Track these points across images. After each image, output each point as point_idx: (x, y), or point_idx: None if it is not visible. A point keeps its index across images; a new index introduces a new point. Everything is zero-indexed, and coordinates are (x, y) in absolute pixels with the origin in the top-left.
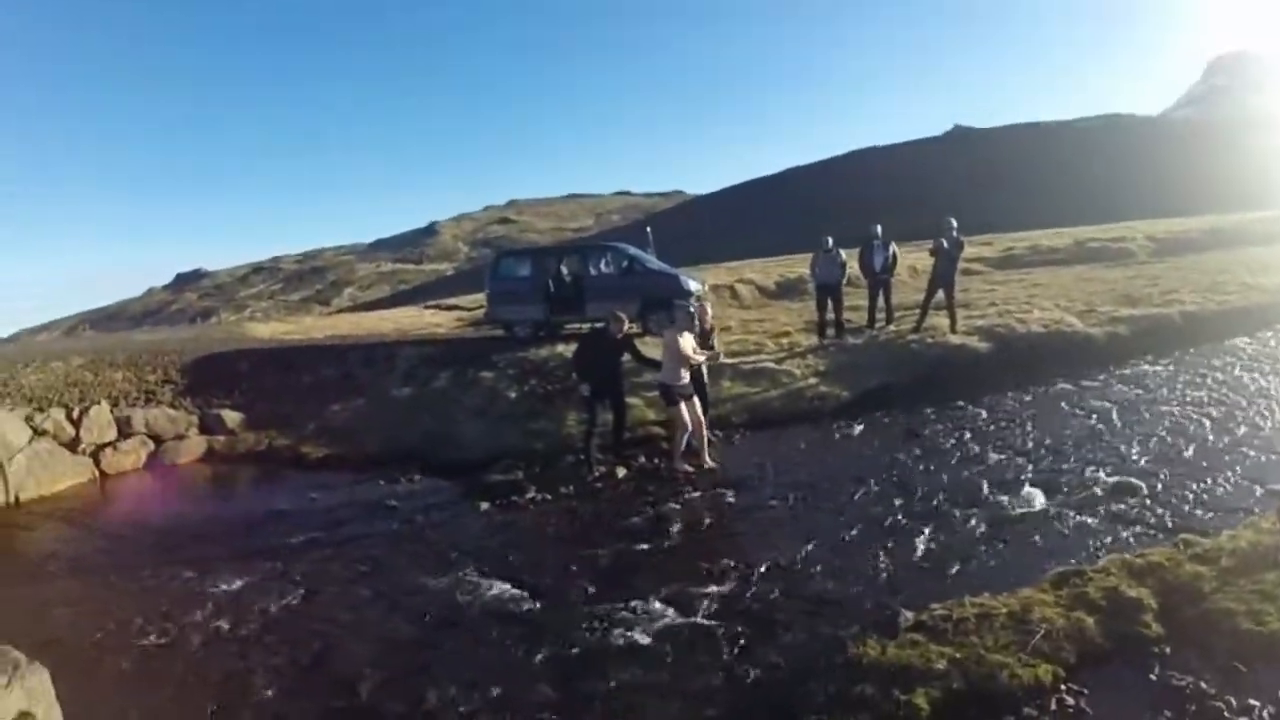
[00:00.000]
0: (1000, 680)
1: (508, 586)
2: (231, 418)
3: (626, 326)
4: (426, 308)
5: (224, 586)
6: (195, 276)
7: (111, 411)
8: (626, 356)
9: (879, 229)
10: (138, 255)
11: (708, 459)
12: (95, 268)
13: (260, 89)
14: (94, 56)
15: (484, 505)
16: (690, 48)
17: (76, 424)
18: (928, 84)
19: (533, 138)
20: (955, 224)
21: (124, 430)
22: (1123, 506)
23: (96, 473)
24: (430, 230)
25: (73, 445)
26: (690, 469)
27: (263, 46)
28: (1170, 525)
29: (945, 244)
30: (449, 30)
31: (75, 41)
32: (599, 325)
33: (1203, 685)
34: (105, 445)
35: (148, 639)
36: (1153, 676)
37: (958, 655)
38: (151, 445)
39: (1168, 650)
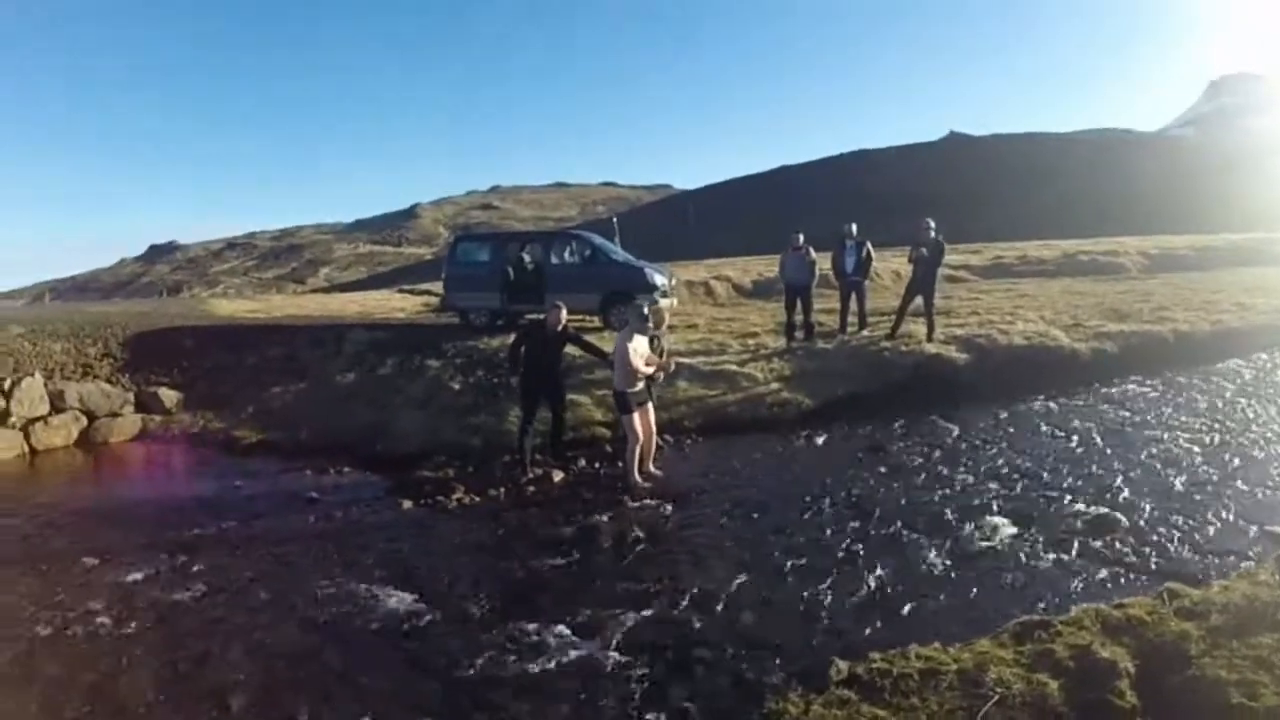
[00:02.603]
0: None
1: (412, 598)
2: (169, 396)
3: (565, 317)
4: (399, 291)
5: (124, 577)
6: (168, 249)
7: (45, 385)
8: (572, 350)
9: (853, 228)
10: (114, 225)
11: (651, 466)
12: (70, 236)
13: (245, 60)
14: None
15: (407, 504)
16: (685, 43)
17: (7, 396)
18: (926, 90)
19: (520, 124)
20: (934, 225)
21: (56, 405)
22: (1101, 544)
23: (26, 448)
24: (411, 213)
25: (2, 418)
26: (648, 483)
27: (245, 16)
28: (1154, 568)
29: (925, 250)
30: (436, 8)
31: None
32: (539, 316)
33: None
34: (36, 420)
35: (34, 630)
36: None
37: None
38: (84, 422)
39: None
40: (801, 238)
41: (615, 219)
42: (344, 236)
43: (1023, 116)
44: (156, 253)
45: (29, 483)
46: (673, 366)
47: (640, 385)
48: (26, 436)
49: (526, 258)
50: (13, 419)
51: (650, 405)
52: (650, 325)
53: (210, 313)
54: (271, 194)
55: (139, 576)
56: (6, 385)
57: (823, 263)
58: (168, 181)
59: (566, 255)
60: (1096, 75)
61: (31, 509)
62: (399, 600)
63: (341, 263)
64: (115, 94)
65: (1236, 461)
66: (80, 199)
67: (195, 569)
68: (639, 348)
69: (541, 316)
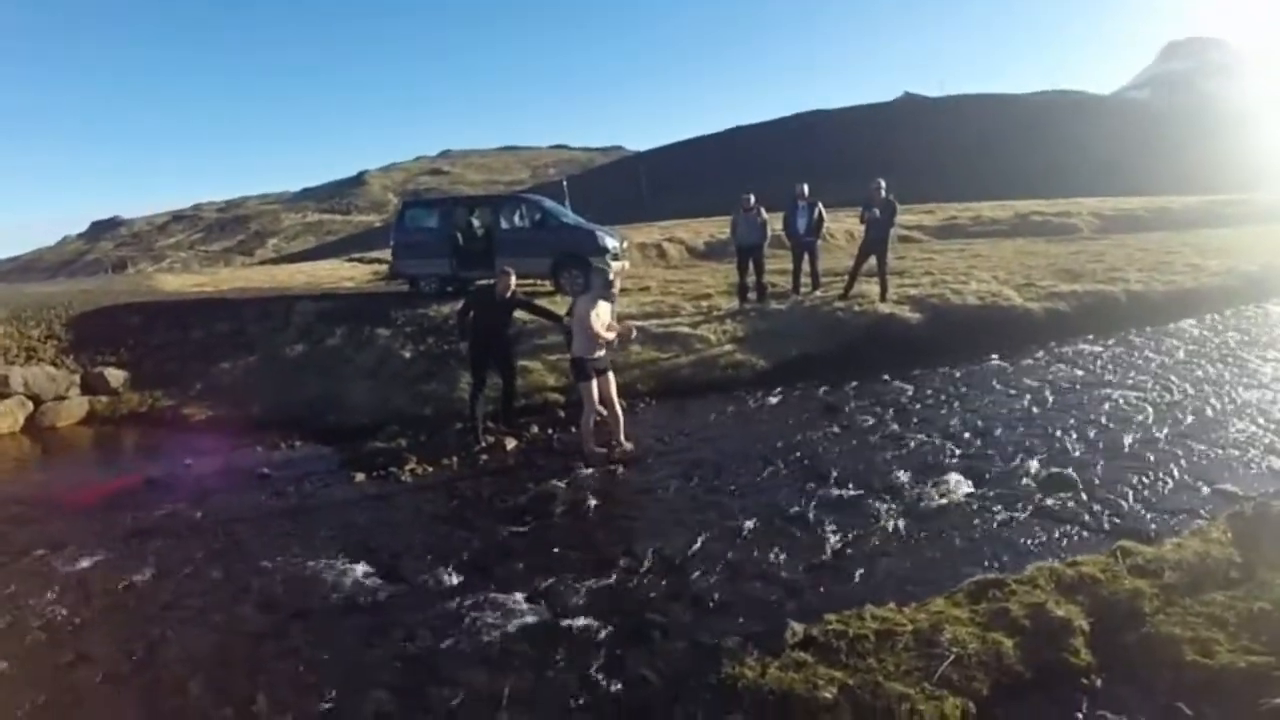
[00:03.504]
0: (898, 715)
1: (367, 572)
2: (116, 377)
3: (514, 282)
4: (348, 260)
5: (75, 565)
6: (112, 225)
7: None
8: (523, 315)
9: (805, 188)
10: (55, 203)
11: (624, 440)
12: (10, 218)
13: (180, 25)
14: None
15: (359, 477)
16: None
17: None
18: (880, 51)
19: (467, 86)
20: (885, 186)
21: (0, 390)
22: (1055, 502)
23: None
24: (359, 180)
25: None
26: (603, 450)
27: None
28: (1107, 527)
29: (877, 211)
30: None
31: None
32: (487, 282)
33: None
34: None
35: None
36: (1079, 715)
37: (850, 681)
38: (30, 406)
39: (1099, 683)
40: (753, 198)
41: (565, 182)
42: (291, 206)
43: (977, 79)
44: (100, 229)
45: None
46: (634, 333)
47: (601, 352)
48: None
49: (476, 222)
50: None
51: (610, 375)
52: (614, 292)
53: (156, 289)
54: (216, 163)
55: (92, 564)
56: None
57: (774, 223)
58: (107, 154)
59: (516, 219)
60: (1050, 37)
61: None
62: (354, 574)
63: (289, 233)
64: (44, 65)
65: (1189, 420)
66: (17, 178)
67: (148, 553)
68: (602, 313)
69: (491, 282)
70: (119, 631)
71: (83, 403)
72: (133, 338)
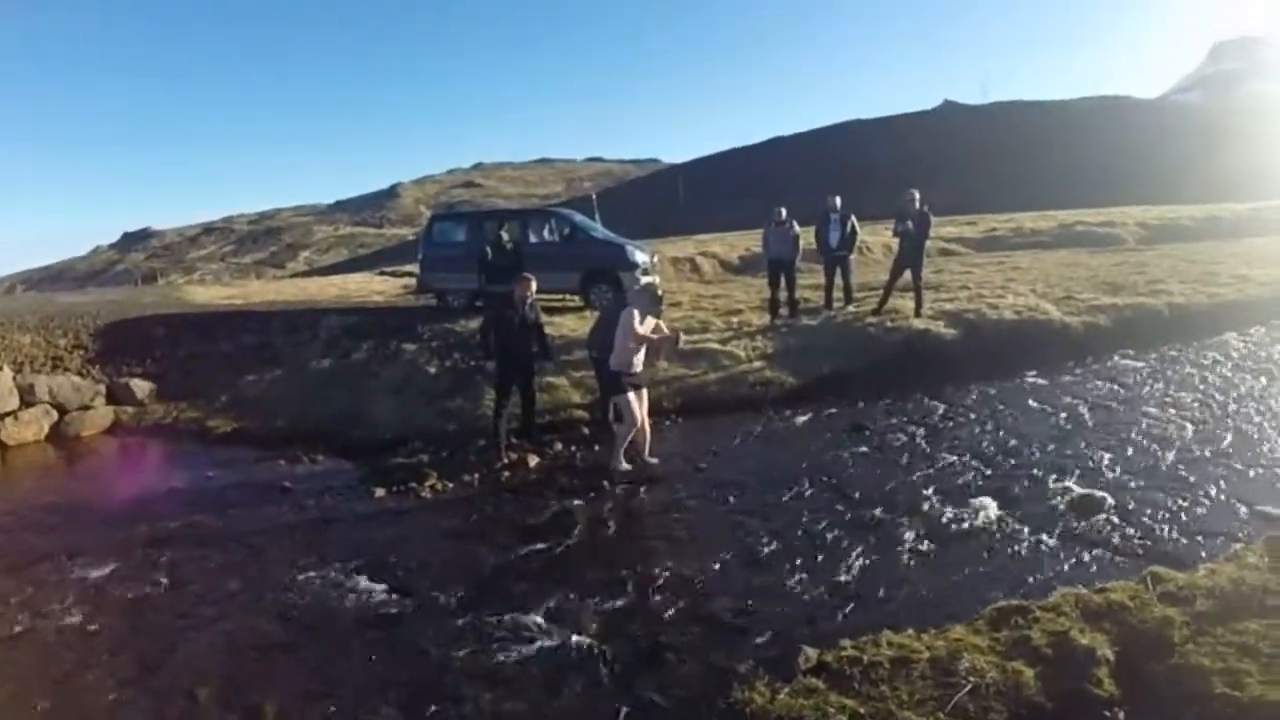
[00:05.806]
0: None
1: (382, 587)
2: (141, 388)
3: (534, 288)
4: (379, 274)
5: (92, 573)
6: (143, 236)
7: (14, 379)
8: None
9: (837, 201)
10: (87, 213)
11: (649, 458)
12: (43, 226)
13: (214, 37)
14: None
15: (379, 492)
16: (671, 11)
17: None
18: (919, 57)
19: (502, 98)
20: (918, 197)
21: (26, 399)
22: (1086, 525)
23: None
24: (392, 192)
25: None
26: (629, 466)
27: None
28: (1140, 551)
29: (910, 223)
30: None
31: None
32: (505, 292)
33: None
34: (5, 415)
35: (3, 629)
36: None
37: (861, 710)
38: (55, 415)
39: (1121, 715)
40: (784, 212)
41: (595, 196)
42: (324, 218)
43: (1020, 85)
44: (131, 240)
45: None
46: (681, 340)
47: (639, 368)
48: None
49: (505, 237)
50: None
51: (644, 391)
52: (661, 308)
53: (185, 300)
54: (249, 175)
55: (109, 572)
56: None
57: (807, 237)
58: (140, 165)
59: (545, 233)
60: (1094, 41)
61: (2, 506)
62: (369, 589)
63: (322, 245)
64: (79, 76)
65: (1229, 439)
66: (50, 188)
67: (165, 562)
68: (648, 324)
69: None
70: (130, 639)
71: (108, 413)
72: (159, 349)
